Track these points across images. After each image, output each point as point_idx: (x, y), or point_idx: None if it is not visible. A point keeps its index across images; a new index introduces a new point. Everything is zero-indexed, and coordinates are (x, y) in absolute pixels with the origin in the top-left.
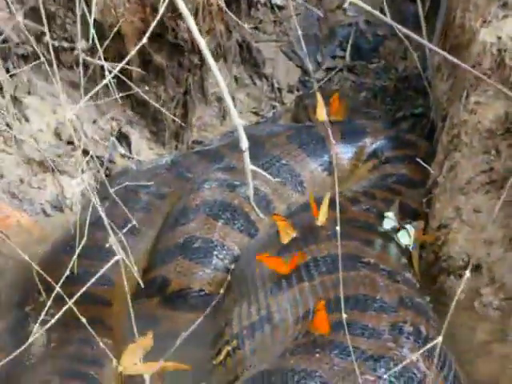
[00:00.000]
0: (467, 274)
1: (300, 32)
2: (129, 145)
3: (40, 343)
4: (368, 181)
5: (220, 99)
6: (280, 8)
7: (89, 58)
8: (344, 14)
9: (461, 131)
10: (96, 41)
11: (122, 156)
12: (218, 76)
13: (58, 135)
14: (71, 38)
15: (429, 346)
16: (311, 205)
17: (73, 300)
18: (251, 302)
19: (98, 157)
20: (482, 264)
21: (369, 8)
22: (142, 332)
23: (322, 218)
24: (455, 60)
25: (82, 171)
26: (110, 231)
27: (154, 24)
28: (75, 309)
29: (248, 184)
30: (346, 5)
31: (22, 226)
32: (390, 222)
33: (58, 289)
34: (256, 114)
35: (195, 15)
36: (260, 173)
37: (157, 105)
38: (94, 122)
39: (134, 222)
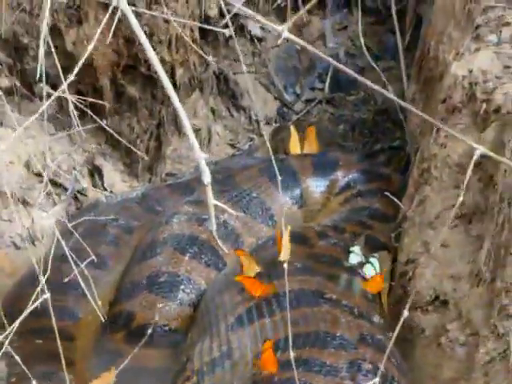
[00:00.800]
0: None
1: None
2: (101, 177)
3: (1, 378)
4: (339, 214)
5: (196, 131)
6: (259, 39)
7: (51, 91)
8: (324, 45)
9: (431, 165)
10: (60, 73)
11: (94, 188)
12: (179, 107)
13: (28, 167)
14: (46, 69)
15: None
16: (277, 240)
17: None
18: (213, 337)
19: (70, 189)
20: (449, 299)
21: (304, 43)
22: (106, 368)
23: (283, 253)
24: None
25: (54, 204)
26: (73, 265)
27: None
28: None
29: (210, 218)
30: (279, 41)
31: None
32: (355, 256)
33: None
34: (232, 146)
35: (168, 47)
36: (229, 207)
37: (124, 140)
38: (68, 154)
39: (93, 257)
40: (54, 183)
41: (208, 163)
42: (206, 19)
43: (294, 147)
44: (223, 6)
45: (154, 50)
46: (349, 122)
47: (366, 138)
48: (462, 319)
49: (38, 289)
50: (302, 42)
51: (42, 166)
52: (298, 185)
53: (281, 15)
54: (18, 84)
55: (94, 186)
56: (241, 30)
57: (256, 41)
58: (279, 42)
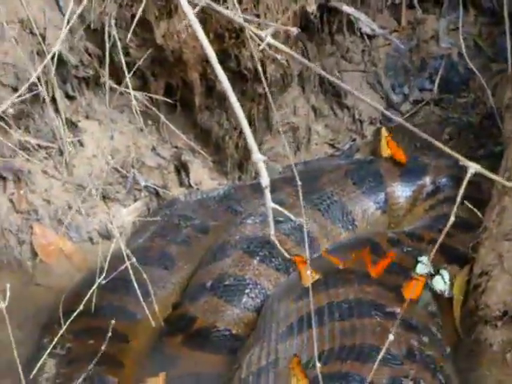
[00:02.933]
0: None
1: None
2: (188, 174)
3: (47, 378)
4: (422, 221)
5: (295, 129)
6: (370, 37)
7: (117, 86)
8: (437, 45)
9: None
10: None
11: (181, 185)
12: (235, 103)
13: (111, 162)
14: (134, 62)
15: None
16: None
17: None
18: (264, 346)
19: (151, 186)
20: None
21: (288, 50)
22: (157, 371)
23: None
24: None
25: (135, 199)
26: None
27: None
28: None
29: (269, 222)
30: (261, 47)
31: (64, 254)
32: (423, 266)
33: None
34: (332, 146)
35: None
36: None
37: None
38: (153, 149)
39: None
40: (134, 179)
41: (297, 163)
42: (305, 15)
43: (385, 150)
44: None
45: (244, 46)
46: (456, 125)
47: (471, 143)
48: None
49: (94, 288)
50: (286, 48)
51: (124, 160)
52: (383, 189)
53: (395, 13)
54: (106, 76)
55: (181, 182)
56: (351, 27)
57: (366, 38)
58: (260, 48)
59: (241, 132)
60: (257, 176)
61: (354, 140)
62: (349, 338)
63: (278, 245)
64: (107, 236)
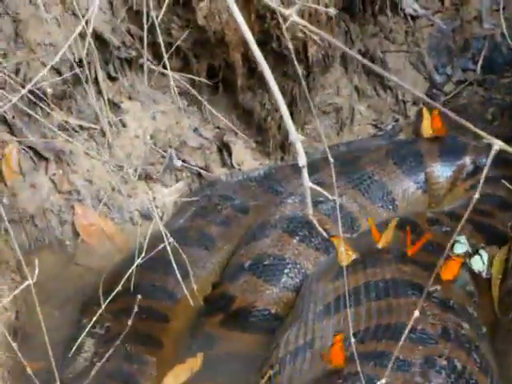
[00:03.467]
0: None
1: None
2: (230, 154)
3: (86, 358)
4: (461, 201)
5: (338, 110)
6: (413, 18)
7: (154, 67)
8: (480, 26)
9: None
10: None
11: (223, 165)
12: (274, 85)
13: (153, 142)
14: (175, 42)
15: None
16: (371, 227)
17: None
18: (301, 325)
19: (193, 166)
20: None
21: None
22: (196, 351)
23: (383, 240)
24: None
25: (177, 180)
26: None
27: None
28: None
29: (306, 202)
30: (286, 25)
31: (106, 234)
32: (461, 246)
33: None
34: (375, 126)
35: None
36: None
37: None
38: (195, 130)
39: None
40: (178, 159)
41: (340, 144)
42: None
43: (426, 130)
44: None
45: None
46: (499, 106)
47: None
48: None
49: (133, 267)
50: (311, 26)
51: (166, 141)
52: (423, 169)
53: None
54: (148, 57)
55: (223, 162)
56: (394, 7)
57: (410, 19)
58: (286, 25)
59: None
60: None
61: (397, 120)
62: (385, 317)
63: (317, 224)
64: (148, 217)
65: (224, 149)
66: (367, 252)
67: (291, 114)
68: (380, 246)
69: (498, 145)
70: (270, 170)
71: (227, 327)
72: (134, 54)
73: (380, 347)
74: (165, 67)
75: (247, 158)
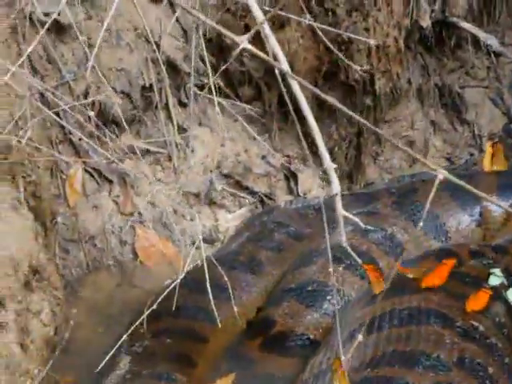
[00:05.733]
0: None
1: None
2: (296, 182)
3: (119, 375)
4: (511, 235)
5: (411, 143)
6: (496, 54)
7: (201, 93)
8: None
9: None
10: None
11: (290, 193)
12: (310, 116)
13: (219, 168)
14: (249, 71)
15: None
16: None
17: None
18: (327, 351)
19: (257, 193)
20: None
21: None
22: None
23: (415, 272)
24: None
25: (240, 206)
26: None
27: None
28: None
29: (341, 230)
30: (236, 52)
31: (165, 257)
32: (496, 278)
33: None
34: (448, 159)
35: (367, 56)
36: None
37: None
38: (263, 157)
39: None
40: (241, 186)
41: (405, 175)
42: (419, 30)
43: (487, 164)
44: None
45: (352, 58)
46: None
47: None
48: None
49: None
50: (261, 54)
51: (233, 167)
52: (479, 202)
53: None
54: (221, 84)
55: (290, 190)
56: (476, 42)
57: (493, 55)
58: (236, 51)
59: (350, 143)
60: (366, 185)
61: (472, 155)
62: (402, 344)
63: (350, 250)
64: (211, 241)
65: (291, 177)
66: (398, 281)
67: (358, 145)
68: (411, 276)
69: (441, 174)
70: (329, 199)
71: (265, 350)
72: (205, 80)
73: (390, 373)
74: (237, 96)
75: (314, 187)
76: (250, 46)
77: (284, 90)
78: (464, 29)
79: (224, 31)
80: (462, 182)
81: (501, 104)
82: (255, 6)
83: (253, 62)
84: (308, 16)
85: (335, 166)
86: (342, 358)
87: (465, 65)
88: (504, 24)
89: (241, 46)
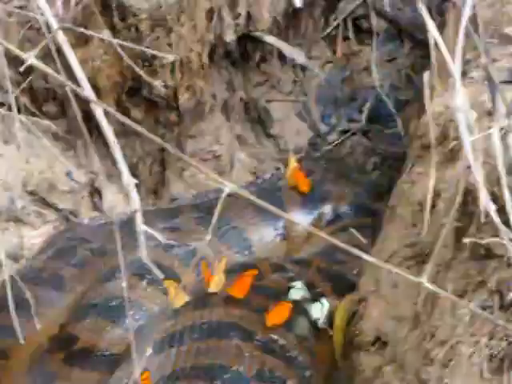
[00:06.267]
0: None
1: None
2: (101, 198)
3: None
4: (317, 248)
5: (217, 157)
6: (302, 68)
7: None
8: (369, 76)
9: (398, 202)
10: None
11: (95, 209)
12: (109, 133)
13: (24, 185)
14: (53, 88)
15: None
16: (203, 271)
17: None
18: (128, 365)
19: (62, 209)
20: (389, 341)
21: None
22: None
23: (214, 285)
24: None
25: (45, 223)
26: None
27: None
28: None
29: (141, 245)
30: (22, 68)
31: None
32: (297, 291)
33: None
34: (254, 174)
35: (171, 71)
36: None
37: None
38: (68, 173)
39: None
40: (45, 202)
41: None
42: (224, 45)
43: (291, 179)
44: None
45: (156, 73)
46: (381, 156)
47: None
48: (398, 362)
49: None
50: (49, 70)
51: (38, 184)
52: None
53: (332, 44)
54: (26, 102)
55: (95, 207)
56: (282, 56)
57: (299, 68)
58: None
59: (154, 158)
60: (171, 201)
61: (278, 169)
62: (202, 357)
63: (152, 266)
64: (15, 258)
65: (95, 193)
66: (198, 295)
67: (162, 161)
68: (210, 289)
69: (229, 188)
70: (133, 215)
71: (67, 365)
72: (12, 97)
73: None
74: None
75: (119, 203)
76: (36, 62)
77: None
78: (269, 43)
79: (10, 47)
80: (252, 197)
81: (307, 118)
82: (48, 12)
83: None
84: (107, 32)
85: (135, 181)
86: (138, 372)
87: (270, 79)
88: (310, 38)
89: (28, 62)
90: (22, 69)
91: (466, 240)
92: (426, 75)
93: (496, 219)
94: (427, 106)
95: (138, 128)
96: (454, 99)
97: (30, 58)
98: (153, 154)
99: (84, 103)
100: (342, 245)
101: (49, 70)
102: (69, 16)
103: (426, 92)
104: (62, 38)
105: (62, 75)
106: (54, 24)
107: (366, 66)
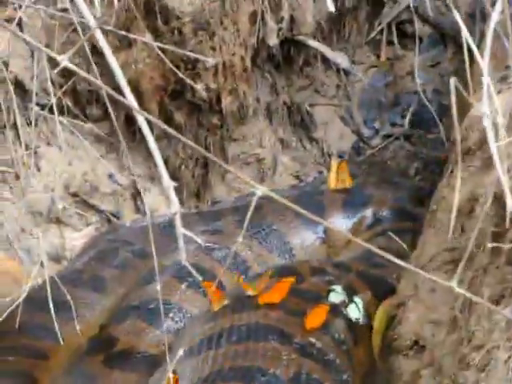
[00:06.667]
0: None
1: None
2: (142, 201)
3: None
4: (354, 252)
5: (260, 160)
6: (346, 72)
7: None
8: (413, 81)
9: (438, 207)
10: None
11: (137, 212)
12: (147, 131)
13: (66, 187)
14: (96, 91)
15: None
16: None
17: None
18: (166, 366)
19: (103, 211)
20: (427, 345)
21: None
22: None
23: (253, 288)
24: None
25: (87, 225)
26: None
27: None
28: None
29: (180, 248)
30: (57, 70)
31: (9, 275)
32: (336, 295)
33: None
34: (297, 177)
35: (214, 74)
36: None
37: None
38: (110, 176)
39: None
40: (87, 204)
41: (250, 193)
42: (267, 48)
43: (332, 181)
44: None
45: (199, 77)
46: (423, 161)
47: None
48: (435, 366)
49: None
50: (84, 73)
51: (80, 186)
52: (324, 219)
53: (376, 48)
54: (70, 104)
55: (137, 209)
56: (326, 60)
57: (342, 73)
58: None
59: (197, 161)
60: (213, 203)
61: (321, 172)
62: (239, 360)
63: (190, 268)
64: (57, 259)
65: (138, 195)
66: (237, 298)
67: (205, 163)
68: (250, 293)
69: (260, 191)
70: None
71: (107, 367)
72: (54, 100)
73: None
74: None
75: (161, 205)
76: (70, 65)
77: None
78: (312, 47)
79: (45, 49)
80: (284, 200)
81: (350, 122)
82: (86, 11)
83: (102, 80)
84: (149, 35)
85: (175, 184)
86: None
87: (314, 82)
88: (354, 42)
89: (62, 65)
90: (56, 71)
91: (490, 245)
92: (452, 80)
93: None
94: (453, 111)
95: (179, 136)
96: (483, 105)
97: (64, 61)
98: (195, 157)
99: (126, 106)
100: (378, 250)
101: (84, 74)
102: (111, 19)
103: (452, 98)
104: (100, 38)
105: (103, 78)
106: (92, 23)
107: (410, 71)
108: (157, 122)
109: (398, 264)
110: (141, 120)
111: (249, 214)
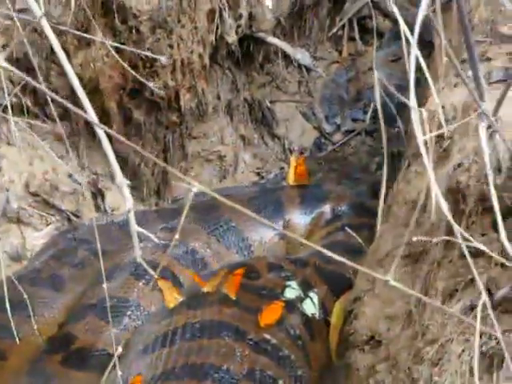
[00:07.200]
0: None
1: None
2: (103, 199)
3: None
4: (314, 248)
5: (221, 157)
6: (308, 69)
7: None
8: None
9: (394, 202)
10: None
11: (97, 210)
12: (101, 133)
13: (27, 186)
14: (56, 90)
15: None
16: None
17: None
18: (124, 366)
19: (64, 210)
20: (382, 340)
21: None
22: None
23: (209, 285)
24: None
25: (47, 224)
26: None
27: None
28: None
29: (135, 245)
30: None
31: None
32: (292, 291)
33: None
34: (258, 174)
35: (171, 72)
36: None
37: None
38: (70, 175)
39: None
40: (48, 204)
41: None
42: (226, 45)
43: (291, 178)
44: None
45: (157, 75)
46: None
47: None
48: (391, 360)
49: None
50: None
51: (40, 185)
52: (282, 216)
53: (338, 44)
54: (29, 104)
55: (97, 207)
56: (287, 57)
57: (304, 69)
58: None
59: (157, 158)
60: (173, 201)
61: (282, 169)
62: (193, 357)
63: (146, 265)
64: (17, 258)
65: (98, 194)
66: (193, 295)
67: (165, 161)
68: (205, 289)
69: (195, 187)
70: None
71: (65, 366)
72: (14, 100)
73: None
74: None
75: (122, 204)
76: (5, 64)
77: None
78: (272, 43)
79: None
80: (216, 195)
81: (312, 118)
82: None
83: (59, 80)
84: (100, 35)
85: (128, 182)
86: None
87: (275, 79)
88: (315, 38)
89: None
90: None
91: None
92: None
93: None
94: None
95: (137, 148)
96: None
97: (1, 60)
98: (155, 155)
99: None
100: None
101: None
102: (68, 18)
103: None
104: (46, 26)
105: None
106: (38, 12)
107: (371, 67)
108: (114, 135)
109: (355, 259)
110: (101, 135)
111: (184, 211)
